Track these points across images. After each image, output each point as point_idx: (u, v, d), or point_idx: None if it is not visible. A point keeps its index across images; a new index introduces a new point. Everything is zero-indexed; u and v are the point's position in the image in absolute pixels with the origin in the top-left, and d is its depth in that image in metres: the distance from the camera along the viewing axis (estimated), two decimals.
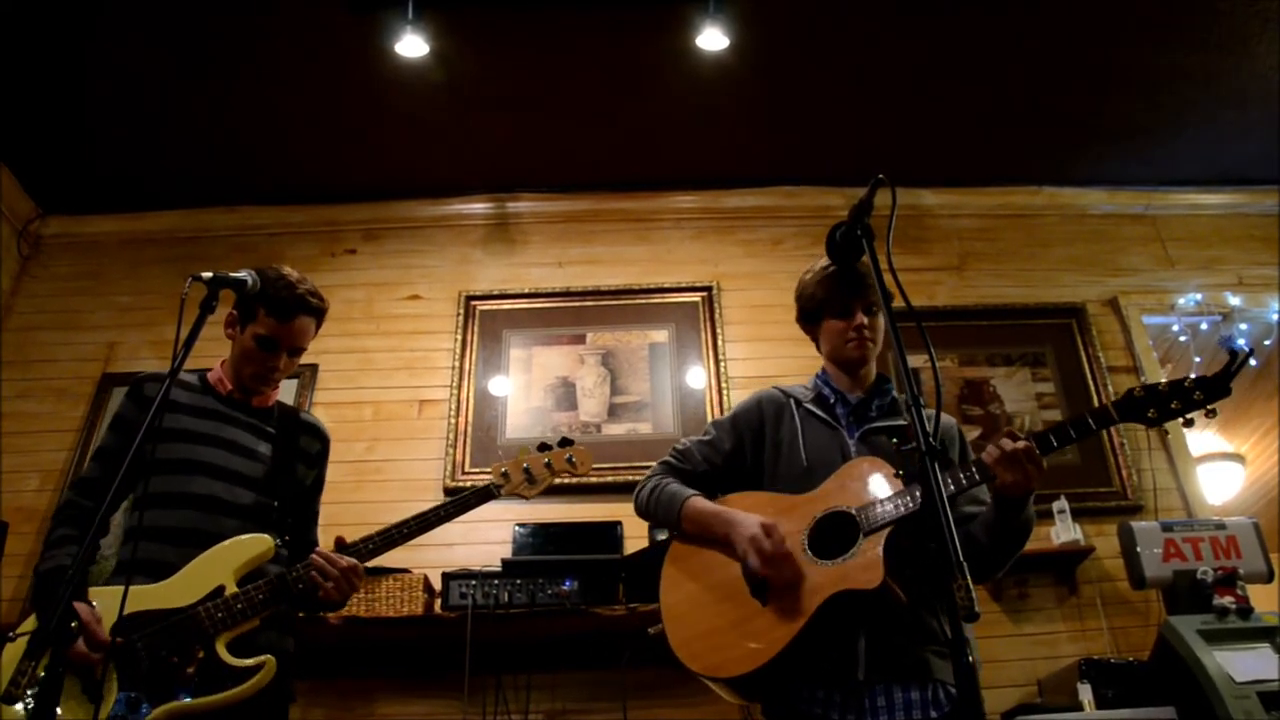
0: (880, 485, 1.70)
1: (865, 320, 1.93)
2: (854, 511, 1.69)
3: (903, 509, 1.62)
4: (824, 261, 1.96)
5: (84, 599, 1.72)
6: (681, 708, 3.04)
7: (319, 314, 2.07)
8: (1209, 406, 1.54)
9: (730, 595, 1.74)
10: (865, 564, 1.61)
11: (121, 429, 1.97)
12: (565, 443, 2.09)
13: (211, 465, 1.94)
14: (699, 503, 1.88)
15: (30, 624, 1.68)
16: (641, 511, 2.00)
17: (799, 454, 1.88)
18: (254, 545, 1.85)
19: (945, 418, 1.77)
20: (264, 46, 3.47)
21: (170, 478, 1.90)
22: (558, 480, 2.11)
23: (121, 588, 1.59)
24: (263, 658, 1.74)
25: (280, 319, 1.99)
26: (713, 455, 2.00)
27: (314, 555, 1.83)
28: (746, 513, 1.78)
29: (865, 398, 1.96)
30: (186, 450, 1.94)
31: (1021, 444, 1.57)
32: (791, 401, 1.99)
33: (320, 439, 2.17)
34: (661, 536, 2.87)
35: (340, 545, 1.89)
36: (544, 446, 2.08)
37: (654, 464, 2.05)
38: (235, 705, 1.70)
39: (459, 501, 1.97)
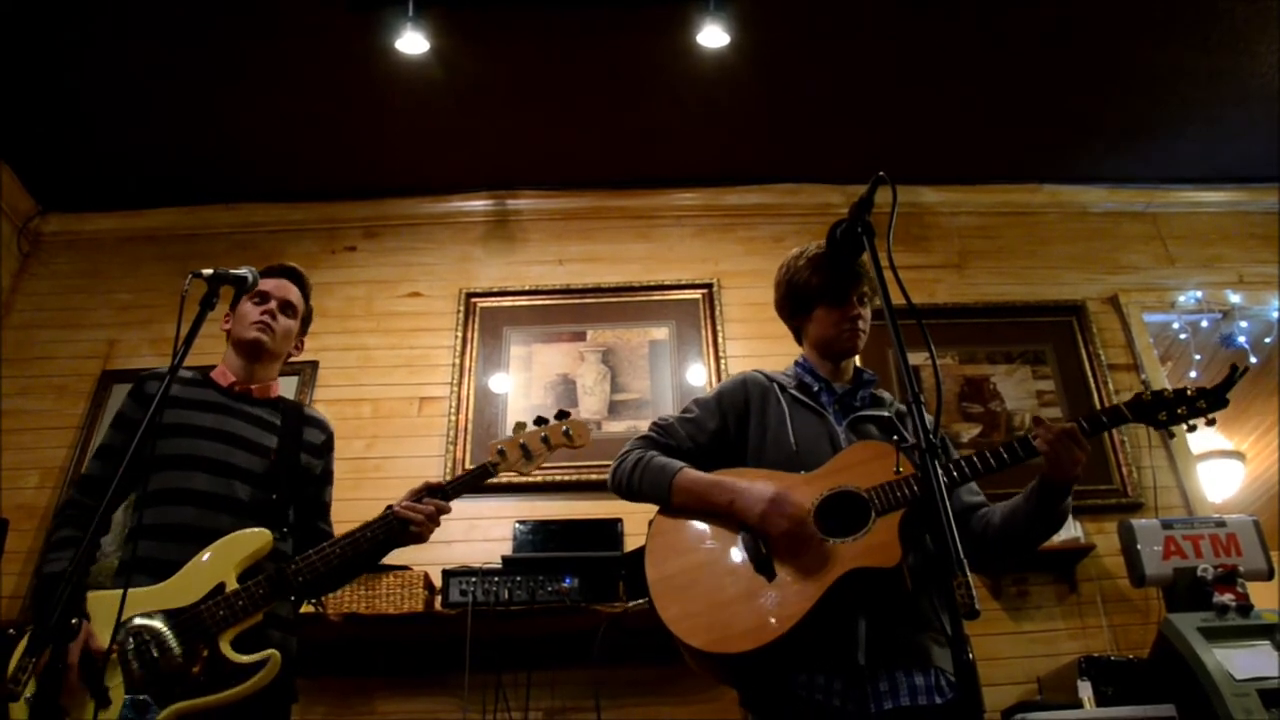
0: (888, 468, 1.67)
1: (860, 310, 1.93)
2: (864, 492, 1.66)
3: (918, 490, 1.61)
4: (812, 248, 1.95)
5: (81, 607, 1.70)
6: (677, 706, 3.04)
7: (293, 274, 2.18)
8: (1210, 415, 1.64)
9: (732, 569, 1.68)
10: (882, 543, 1.59)
11: (123, 426, 1.98)
12: (561, 415, 2.04)
13: (211, 460, 1.94)
14: (694, 473, 1.80)
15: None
16: (622, 484, 1.88)
17: (788, 436, 1.84)
18: (252, 540, 1.84)
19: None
20: (264, 44, 3.47)
21: (171, 474, 1.90)
22: (554, 455, 2.06)
23: (121, 591, 1.58)
24: (267, 652, 1.73)
25: (259, 278, 2.00)
26: (697, 433, 1.92)
27: (399, 508, 1.89)
28: (752, 483, 1.73)
29: (851, 388, 1.96)
30: (188, 445, 1.94)
31: (1070, 424, 1.60)
32: (775, 386, 1.96)
33: (325, 430, 2.18)
34: None
35: (430, 488, 1.95)
36: (540, 420, 2.05)
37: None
38: (240, 702, 1.70)
39: (459, 482, 1.96)
